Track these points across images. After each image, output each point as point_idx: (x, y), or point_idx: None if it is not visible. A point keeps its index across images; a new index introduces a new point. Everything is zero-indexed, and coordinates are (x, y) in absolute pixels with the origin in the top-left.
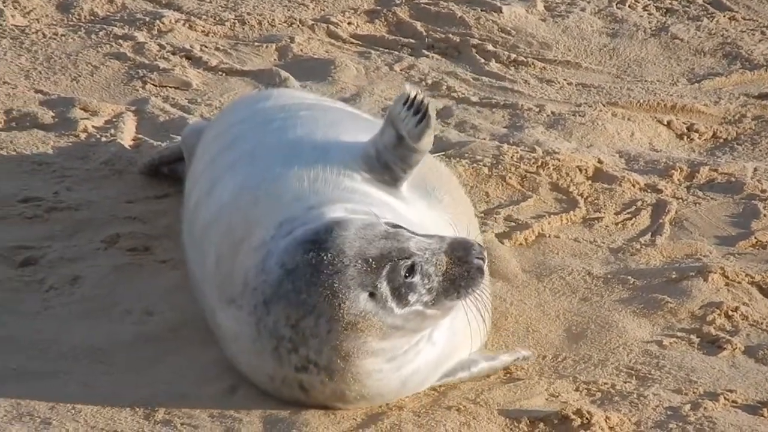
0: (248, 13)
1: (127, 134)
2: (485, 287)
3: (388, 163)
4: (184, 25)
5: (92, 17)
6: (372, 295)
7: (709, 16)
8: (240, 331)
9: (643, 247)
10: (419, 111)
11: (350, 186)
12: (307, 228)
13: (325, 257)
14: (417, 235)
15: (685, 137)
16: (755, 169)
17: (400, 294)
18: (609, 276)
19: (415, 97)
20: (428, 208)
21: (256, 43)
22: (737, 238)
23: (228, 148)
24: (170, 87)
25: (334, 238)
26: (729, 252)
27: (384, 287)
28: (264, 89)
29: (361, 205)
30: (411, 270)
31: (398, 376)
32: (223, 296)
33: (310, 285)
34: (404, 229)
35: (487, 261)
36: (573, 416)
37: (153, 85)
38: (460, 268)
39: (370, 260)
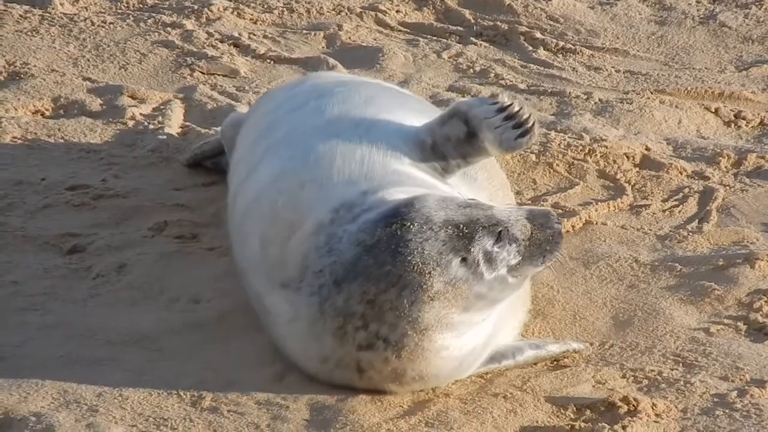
0: (296, 1)
1: (175, 122)
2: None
3: (445, 155)
4: (232, 12)
5: (141, 5)
6: (464, 260)
7: (757, 3)
8: (296, 314)
9: (690, 234)
10: (521, 125)
11: (399, 169)
12: (381, 209)
13: (412, 226)
14: (494, 205)
15: (733, 124)
16: None
17: (491, 259)
18: (656, 263)
19: (519, 110)
20: (468, 190)
21: (304, 31)
22: None
23: (265, 134)
24: (218, 75)
25: (419, 209)
26: None
27: (477, 252)
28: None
29: (415, 187)
30: (499, 235)
31: (459, 355)
32: (274, 281)
33: (397, 255)
34: (479, 200)
35: (563, 227)
36: (620, 403)
37: (201, 72)
38: (543, 233)
39: (461, 225)
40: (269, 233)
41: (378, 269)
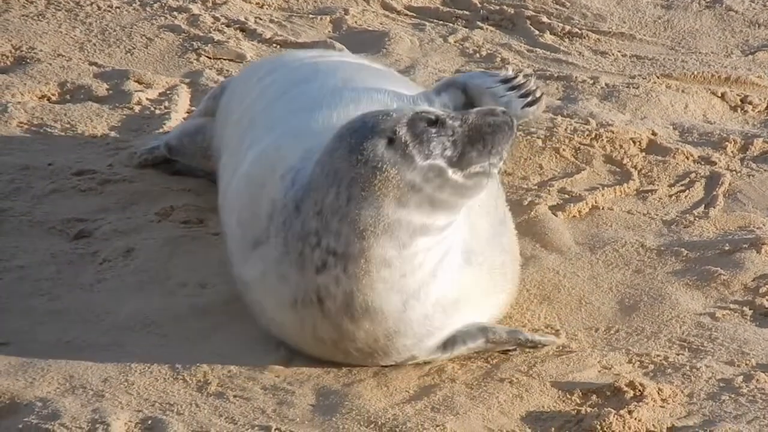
0: None
1: (182, 107)
2: (511, 227)
3: None
4: None
5: None
6: (391, 141)
7: None
8: (265, 265)
9: (697, 219)
10: (529, 94)
11: None
12: None
13: (349, 125)
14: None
15: (739, 109)
16: None
17: (422, 141)
18: (662, 248)
19: (525, 81)
20: None
21: (310, 15)
22: None
23: (252, 124)
24: (224, 59)
25: (363, 113)
26: None
27: (404, 132)
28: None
29: None
30: (434, 120)
31: (401, 286)
32: (247, 246)
33: (333, 152)
34: None
35: (516, 124)
36: (626, 388)
37: (207, 57)
38: (486, 120)
39: (392, 112)
40: (242, 202)
41: (323, 176)
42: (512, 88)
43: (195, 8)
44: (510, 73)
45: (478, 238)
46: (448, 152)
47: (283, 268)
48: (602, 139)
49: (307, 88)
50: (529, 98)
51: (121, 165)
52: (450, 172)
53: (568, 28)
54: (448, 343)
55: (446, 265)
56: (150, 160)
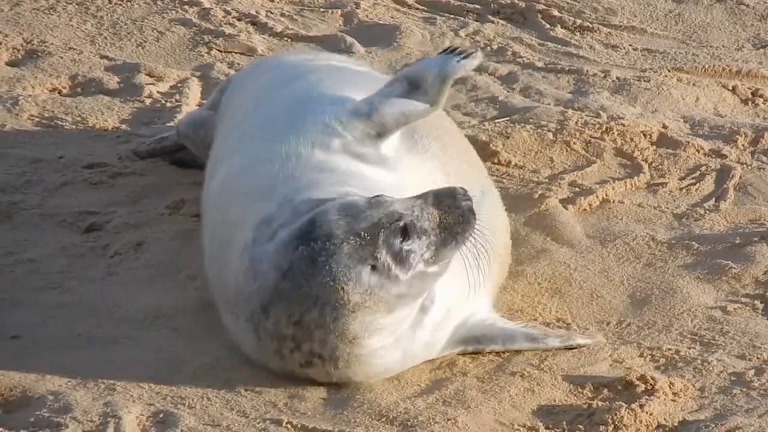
0: None
1: (193, 100)
2: (481, 230)
3: (384, 121)
4: None
5: None
6: (374, 267)
7: None
8: (240, 336)
9: (707, 212)
10: (462, 52)
11: (322, 160)
12: (291, 227)
13: (316, 246)
14: (398, 198)
15: (750, 102)
16: None
17: (402, 258)
18: (673, 241)
19: (460, 45)
20: (412, 160)
21: (321, 9)
22: None
23: (229, 132)
24: (235, 53)
25: (320, 225)
26: None
27: (384, 256)
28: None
29: (333, 185)
30: (405, 231)
31: (400, 346)
32: (221, 297)
33: (309, 277)
34: (383, 195)
35: (473, 201)
36: (637, 382)
37: (218, 50)
38: (452, 215)
39: (362, 233)
40: (212, 249)
41: (296, 292)
42: (449, 52)
43: (206, 2)
44: (445, 45)
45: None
46: (426, 255)
47: (260, 350)
48: (613, 133)
49: (266, 106)
50: (464, 54)
51: (129, 155)
52: (429, 271)
53: (579, 21)
54: (479, 338)
55: (434, 295)
56: (158, 150)
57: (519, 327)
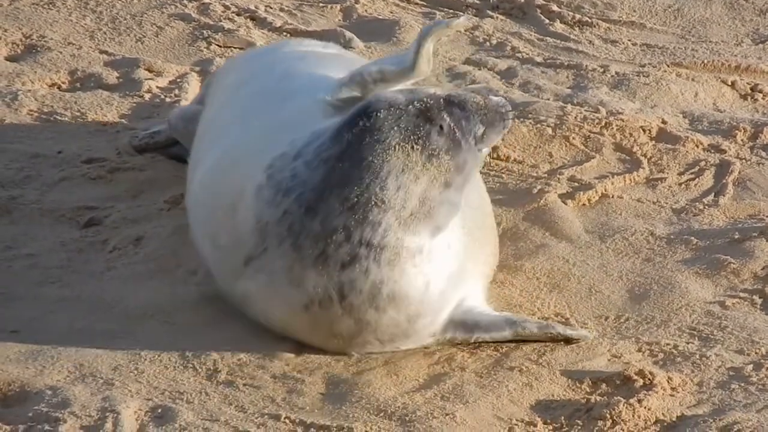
0: None
1: (192, 95)
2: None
3: (367, 83)
4: None
5: None
6: (441, 128)
7: None
8: (270, 276)
9: (706, 207)
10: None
11: (317, 125)
12: (329, 127)
13: (380, 114)
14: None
15: (749, 97)
16: None
17: (462, 126)
18: (672, 236)
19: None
20: None
21: (320, 4)
22: None
23: (210, 125)
24: (235, 48)
25: (377, 100)
26: None
27: (450, 119)
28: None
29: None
30: (461, 104)
31: (428, 270)
32: (235, 265)
33: (375, 143)
34: None
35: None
36: (635, 377)
37: (217, 45)
38: (492, 102)
39: (425, 99)
40: (214, 227)
41: (357, 169)
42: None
43: None
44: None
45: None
46: (479, 132)
47: (295, 273)
48: (612, 128)
49: (249, 89)
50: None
51: (129, 150)
52: (477, 149)
53: (578, 16)
54: (469, 325)
55: (455, 238)
56: (151, 144)
57: (501, 313)
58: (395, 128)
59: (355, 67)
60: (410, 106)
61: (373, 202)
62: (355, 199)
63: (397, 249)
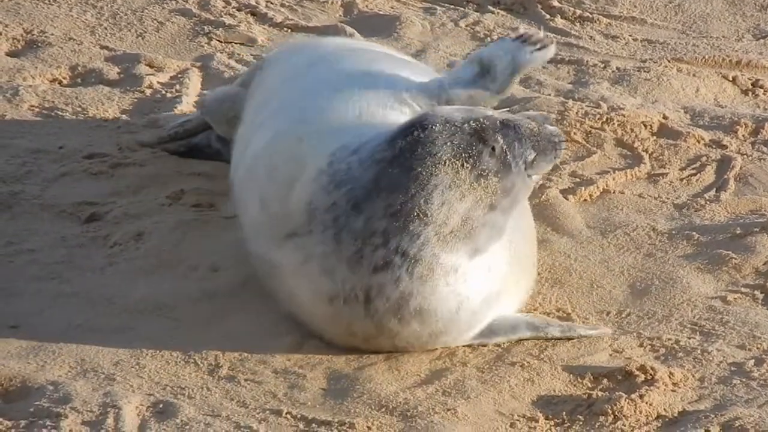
0: None
1: (193, 90)
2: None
3: (451, 100)
4: None
5: None
6: (493, 150)
7: None
8: (306, 256)
9: (708, 202)
10: (536, 42)
11: (391, 120)
12: (387, 131)
13: (435, 127)
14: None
15: (750, 93)
16: None
17: (513, 150)
18: (673, 232)
19: (533, 34)
20: None
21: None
22: None
23: (263, 105)
24: (235, 43)
25: (434, 114)
26: None
27: (503, 141)
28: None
29: None
30: (516, 128)
31: (462, 290)
32: (278, 235)
33: (426, 156)
34: None
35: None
36: (637, 372)
37: (218, 41)
38: (547, 130)
39: (481, 120)
40: (268, 192)
41: (405, 177)
42: (523, 41)
43: None
44: (520, 30)
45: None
46: (530, 157)
47: (329, 263)
48: (613, 123)
49: (325, 73)
50: (537, 45)
51: (130, 145)
52: (527, 174)
53: (579, 12)
54: (486, 332)
55: (498, 261)
56: (181, 133)
57: (522, 316)
58: (448, 143)
59: (426, 73)
60: (465, 125)
61: (415, 213)
62: (399, 207)
63: (432, 265)
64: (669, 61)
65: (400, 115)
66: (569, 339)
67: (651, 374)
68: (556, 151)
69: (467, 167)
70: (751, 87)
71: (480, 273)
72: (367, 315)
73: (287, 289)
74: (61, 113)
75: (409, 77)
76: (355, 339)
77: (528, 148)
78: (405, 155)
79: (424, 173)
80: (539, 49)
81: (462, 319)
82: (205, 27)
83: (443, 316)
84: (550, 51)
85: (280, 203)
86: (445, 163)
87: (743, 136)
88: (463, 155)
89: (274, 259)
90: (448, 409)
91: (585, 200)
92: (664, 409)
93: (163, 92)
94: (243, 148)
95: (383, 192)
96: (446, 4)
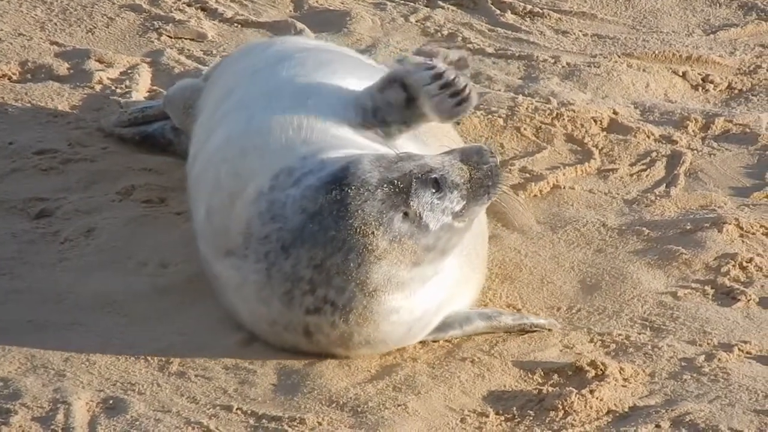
0: None
1: (142, 86)
2: (484, 230)
3: (386, 120)
4: None
5: None
6: (405, 215)
7: None
8: (243, 280)
9: (658, 198)
10: (458, 93)
11: (337, 134)
12: (320, 174)
13: (350, 191)
14: (427, 154)
15: (700, 88)
16: None
17: (432, 209)
18: (623, 227)
19: (454, 78)
20: (415, 146)
21: None
22: (752, 189)
23: (223, 100)
24: (185, 39)
25: (354, 172)
26: (743, 203)
27: (416, 204)
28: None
29: (353, 150)
30: (437, 183)
31: (409, 319)
32: (218, 249)
33: (339, 220)
34: (412, 152)
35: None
36: (587, 367)
37: (168, 36)
38: (481, 171)
39: (396, 182)
40: (213, 202)
41: (323, 235)
42: (444, 86)
43: None
44: (441, 67)
45: None
46: (456, 208)
47: (264, 293)
48: (563, 119)
49: (280, 69)
50: (458, 98)
51: (81, 141)
52: (456, 225)
53: (529, 7)
54: (440, 327)
55: (448, 271)
56: (140, 118)
57: (475, 310)
58: (359, 211)
59: (375, 73)
60: (378, 190)
61: (335, 271)
62: (320, 262)
63: (366, 313)
64: (619, 57)
65: (338, 129)
66: (521, 330)
67: (601, 370)
68: (489, 193)
69: (378, 234)
70: (701, 82)
71: (428, 292)
72: (310, 344)
73: (228, 301)
74: (11, 109)
75: (348, 89)
76: (300, 347)
77: (455, 200)
78: (323, 214)
79: (338, 236)
80: (459, 104)
81: (414, 336)
82: (155, 22)
83: (394, 341)
84: (470, 106)
85: (222, 217)
86: (356, 230)
87: (693, 131)
88: (374, 223)
89: (215, 270)
90: (399, 405)
91: (535, 196)
92: (615, 405)
93: (113, 88)
94: (203, 139)
95: (307, 244)
96: (396, 0)
